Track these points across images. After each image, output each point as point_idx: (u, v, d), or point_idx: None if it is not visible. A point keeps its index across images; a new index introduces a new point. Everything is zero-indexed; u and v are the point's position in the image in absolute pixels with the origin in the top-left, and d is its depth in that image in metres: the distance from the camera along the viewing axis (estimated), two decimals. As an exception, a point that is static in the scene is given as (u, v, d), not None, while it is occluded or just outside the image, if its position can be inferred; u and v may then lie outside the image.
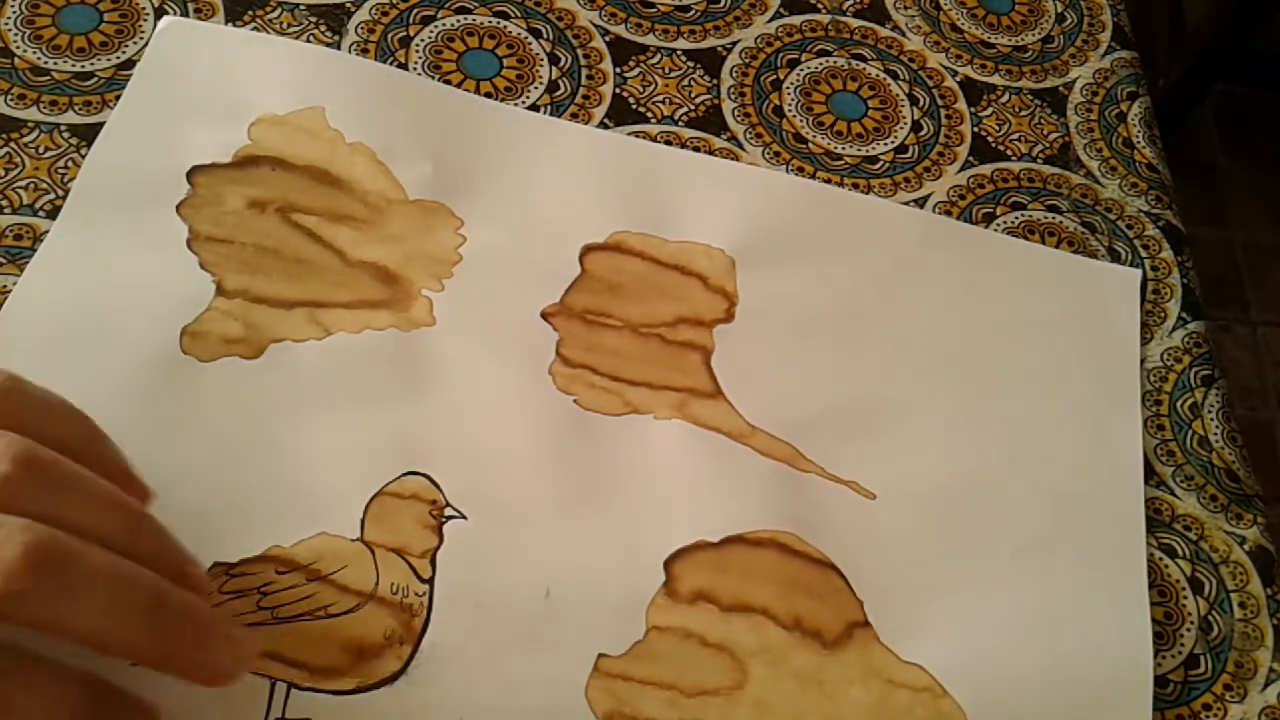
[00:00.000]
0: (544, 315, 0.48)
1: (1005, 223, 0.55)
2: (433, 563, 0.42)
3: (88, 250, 0.46)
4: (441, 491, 0.43)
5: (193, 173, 0.48)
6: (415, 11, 0.55)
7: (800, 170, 0.54)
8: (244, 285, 0.46)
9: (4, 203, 0.47)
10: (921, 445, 0.48)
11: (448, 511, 0.43)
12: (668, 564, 0.43)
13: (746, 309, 0.49)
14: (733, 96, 0.56)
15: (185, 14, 0.53)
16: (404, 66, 0.54)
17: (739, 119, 0.55)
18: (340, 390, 0.45)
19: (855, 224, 0.53)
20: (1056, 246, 0.54)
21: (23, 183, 0.48)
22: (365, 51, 0.54)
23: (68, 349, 0.44)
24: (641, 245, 0.50)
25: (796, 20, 0.59)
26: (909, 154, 0.56)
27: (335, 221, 0.49)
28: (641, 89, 0.55)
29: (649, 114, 0.55)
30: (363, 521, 0.42)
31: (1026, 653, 0.44)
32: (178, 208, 0.48)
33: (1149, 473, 0.49)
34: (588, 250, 0.50)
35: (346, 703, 0.39)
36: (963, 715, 0.42)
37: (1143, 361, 0.52)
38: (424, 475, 0.44)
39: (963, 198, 0.55)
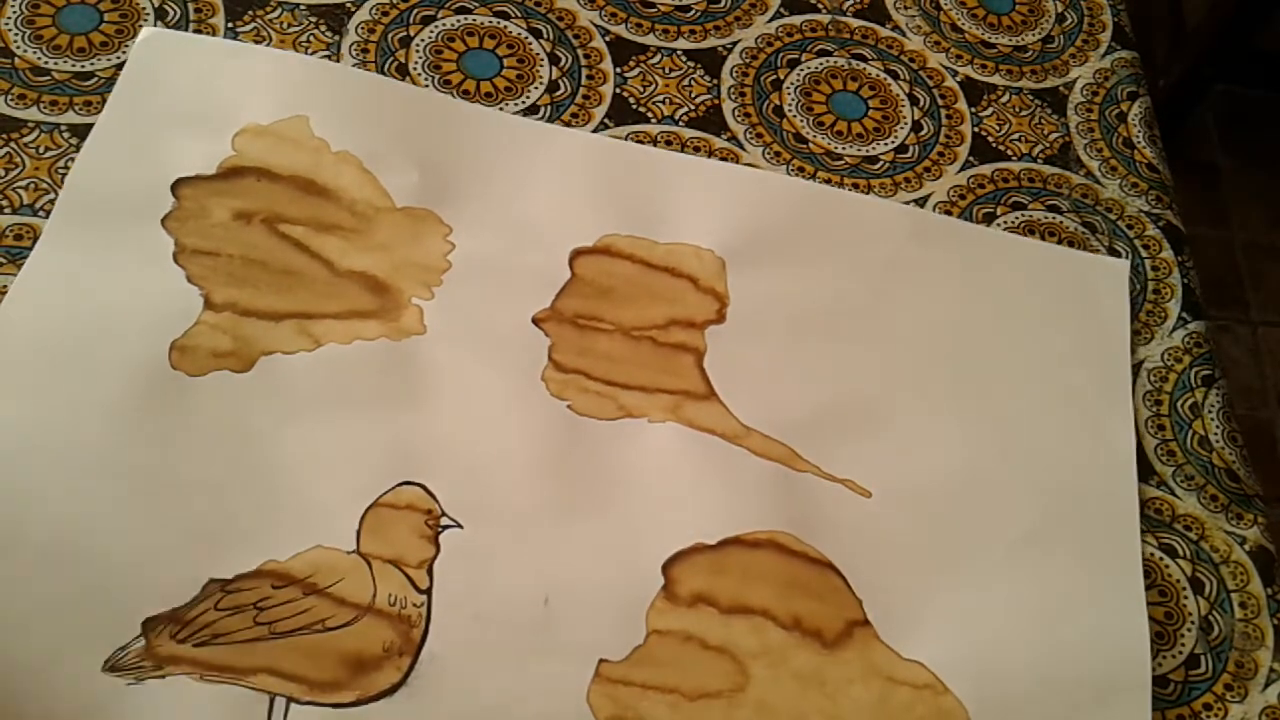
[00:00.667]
0: (535, 321, 0.48)
1: (1006, 222, 0.54)
2: (430, 573, 0.42)
3: (74, 267, 0.46)
4: (437, 501, 0.43)
5: (177, 185, 0.48)
6: (415, 11, 0.55)
7: (800, 170, 0.54)
8: (232, 298, 0.46)
9: (4, 203, 0.47)
10: (915, 442, 0.48)
11: (444, 521, 0.43)
12: (666, 567, 0.43)
13: (738, 309, 0.49)
14: (733, 96, 0.56)
15: (185, 14, 0.53)
16: (404, 67, 0.54)
17: (739, 119, 0.55)
18: (332, 401, 0.45)
19: (844, 222, 0.53)
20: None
21: (23, 183, 0.48)
22: (365, 51, 0.54)
23: (56, 366, 0.44)
24: (631, 248, 0.50)
25: (797, 20, 0.59)
26: (909, 154, 0.56)
27: (322, 231, 0.48)
28: (642, 89, 0.55)
29: (649, 114, 0.55)
30: (359, 533, 0.42)
31: (1026, 647, 0.44)
32: (163, 221, 0.47)
33: (1149, 473, 0.49)
34: (577, 254, 0.50)
35: (347, 715, 0.39)
36: (964, 712, 0.42)
37: (1143, 362, 0.52)
38: (419, 485, 0.43)
39: (963, 198, 0.55)
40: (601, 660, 0.41)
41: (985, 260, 0.53)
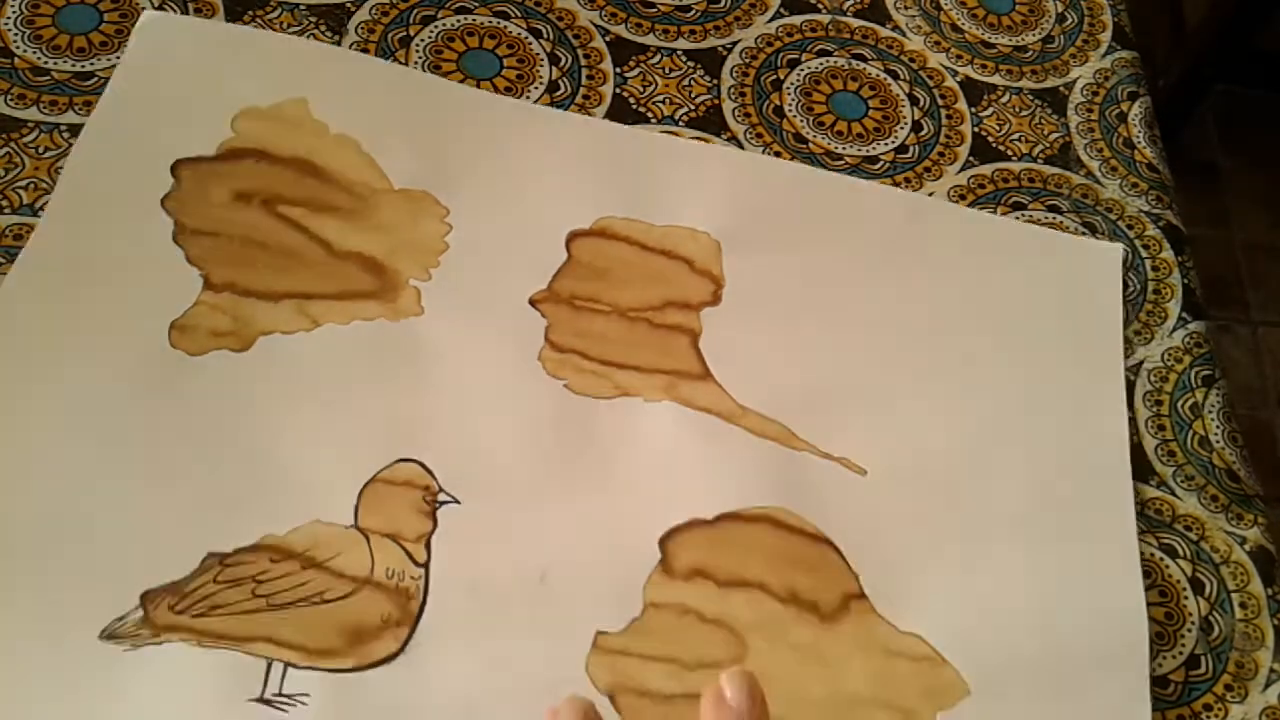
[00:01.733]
0: (532, 302, 0.48)
1: (1006, 223, 0.54)
2: (427, 547, 0.42)
3: (73, 247, 0.46)
4: (435, 477, 0.44)
5: (177, 166, 0.49)
6: (415, 11, 0.55)
7: (800, 170, 0.54)
8: (231, 278, 0.47)
9: (4, 203, 0.47)
10: (909, 422, 0.48)
11: (441, 497, 0.43)
12: (663, 542, 0.44)
13: (733, 291, 0.50)
14: (733, 96, 0.56)
15: (185, 14, 0.53)
16: (404, 66, 0.54)
17: (739, 119, 0.55)
18: (330, 380, 0.45)
19: (839, 205, 0.53)
20: (1057, 246, 0.54)
21: (23, 183, 0.48)
22: (365, 51, 0.54)
23: (56, 344, 0.44)
24: (627, 230, 0.50)
25: (797, 20, 0.59)
26: (909, 154, 0.56)
27: (321, 212, 0.49)
28: (642, 89, 0.55)
29: (649, 114, 0.55)
30: (356, 508, 0.43)
31: (1022, 619, 0.44)
32: (162, 201, 0.48)
33: (1150, 473, 0.49)
34: (574, 236, 0.50)
35: (345, 681, 0.40)
36: (964, 684, 0.42)
37: (1143, 362, 0.52)
38: (416, 462, 0.44)
39: (963, 197, 0.55)
40: (599, 632, 0.42)
41: (980, 244, 0.53)
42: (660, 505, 0.44)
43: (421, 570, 0.42)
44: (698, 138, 0.54)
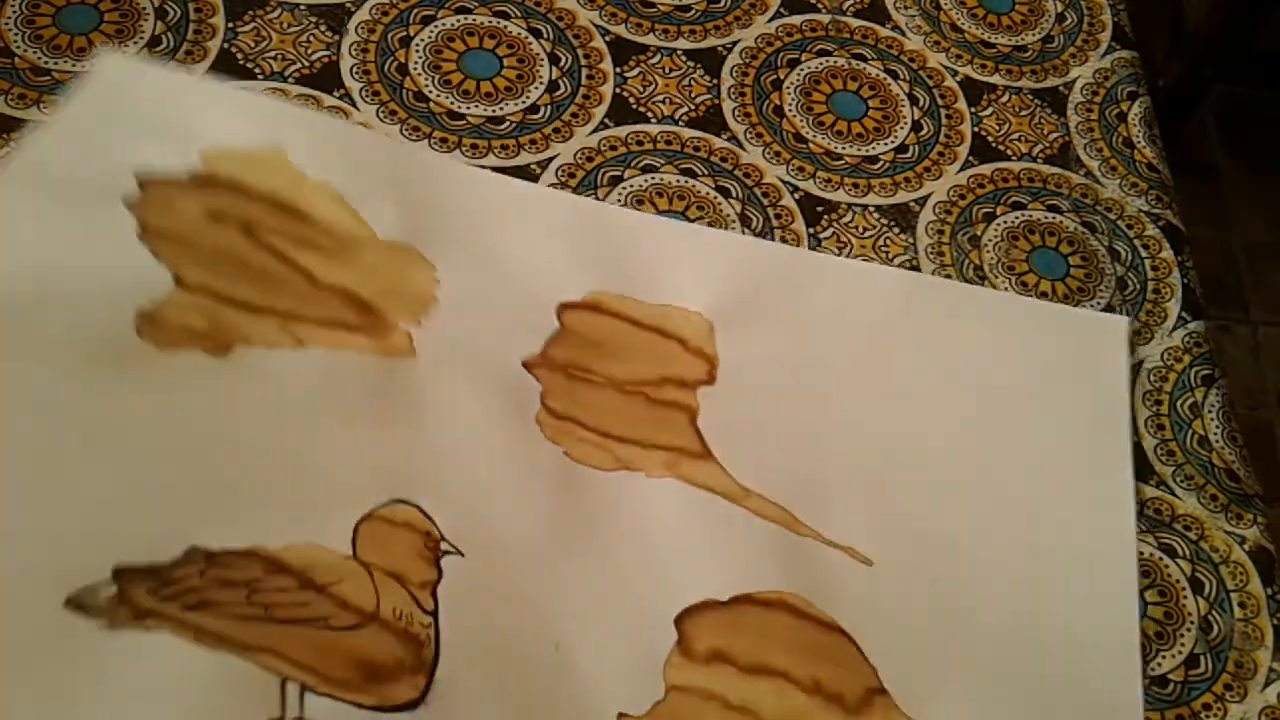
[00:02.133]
0: (525, 365, 0.47)
1: (1005, 222, 0.55)
2: (434, 596, 0.41)
3: (19, 227, 0.43)
4: (435, 525, 0.42)
5: (143, 182, 0.46)
6: (415, 11, 0.55)
7: (800, 170, 0.54)
8: (205, 281, 0.44)
9: (4, 202, 0.47)
10: (912, 506, 0.46)
11: (444, 546, 0.42)
12: (678, 622, 0.42)
13: (728, 372, 0.48)
14: (733, 96, 0.56)
15: (185, 14, 0.53)
16: (404, 67, 0.54)
17: (739, 119, 0.55)
18: (318, 404, 0.43)
19: (832, 286, 0.51)
20: (1056, 246, 0.54)
21: (23, 182, 0.48)
22: (365, 51, 0.54)
23: (8, 320, 0.41)
24: (619, 306, 0.49)
25: (797, 20, 0.59)
26: (909, 154, 0.56)
27: (302, 247, 0.46)
28: (642, 89, 0.55)
29: (649, 114, 0.55)
30: (354, 542, 0.41)
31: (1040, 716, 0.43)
32: (126, 204, 0.45)
33: (1149, 473, 0.49)
34: (565, 308, 0.48)
35: (371, 718, 0.38)
36: None
37: (1143, 361, 0.52)
38: (415, 506, 0.42)
39: (963, 197, 0.55)
40: (621, 714, 0.40)
41: (978, 322, 0.51)
42: (671, 583, 0.43)
43: (430, 619, 0.40)
44: (698, 138, 0.54)
